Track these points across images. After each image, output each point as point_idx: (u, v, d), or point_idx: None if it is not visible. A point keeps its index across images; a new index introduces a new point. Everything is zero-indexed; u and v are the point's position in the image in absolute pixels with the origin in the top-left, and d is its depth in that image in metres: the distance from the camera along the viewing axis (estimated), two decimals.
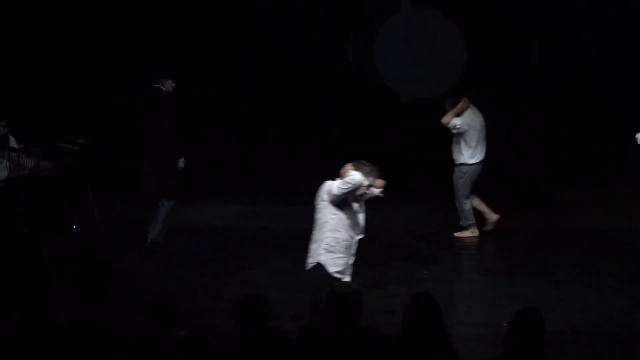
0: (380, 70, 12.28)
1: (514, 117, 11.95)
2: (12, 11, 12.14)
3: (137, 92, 10.15)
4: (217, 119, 12.19)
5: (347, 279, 7.20)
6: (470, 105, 10.60)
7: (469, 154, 10.58)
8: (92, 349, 5.55)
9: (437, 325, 5.46)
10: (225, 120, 12.26)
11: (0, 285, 8.92)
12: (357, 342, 5.30)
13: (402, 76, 12.43)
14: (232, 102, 12.24)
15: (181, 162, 9.89)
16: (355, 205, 7.23)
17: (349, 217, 7.15)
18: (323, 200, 7.11)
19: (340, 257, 7.15)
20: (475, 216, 10.71)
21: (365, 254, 10.17)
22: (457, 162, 10.63)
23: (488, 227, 10.77)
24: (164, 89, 9.88)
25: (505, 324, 5.37)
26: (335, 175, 7.21)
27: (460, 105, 10.49)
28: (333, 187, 7.05)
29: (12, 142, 10.32)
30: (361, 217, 7.31)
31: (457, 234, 10.77)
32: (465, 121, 10.51)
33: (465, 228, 10.74)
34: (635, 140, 9.66)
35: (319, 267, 7.11)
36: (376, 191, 7.28)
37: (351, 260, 7.31)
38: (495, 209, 10.75)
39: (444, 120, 10.47)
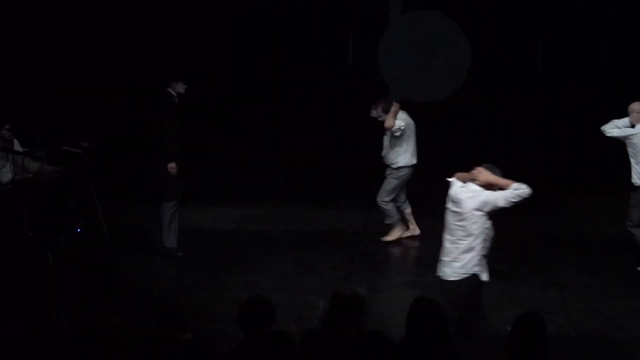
0: (383, 72, 12.29)
1: (515, 119, 11.96)
2: (12, 11, 12.16)
3: (144, 92, 10.14)
4: (217, 119, 12.20)
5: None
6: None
7: (409, 157, 10.53)
8: (96, 351, 5.56)
9: (440, 328, 5.46)
10: (225, 121, 12.27)
11: (4, 288, 8.93)
12: (362, 345, 5.30)
13: (405, 79, 12.44)
14: (232, 102, 12.24)
15: (171, 168, 9.74)
16: None
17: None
18: (478, 211, 6.94)
19: (486, 265, 7.12)
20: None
21: (370, 257, 10.24)
22: (396, 165, 10.53)
23: (407, 233, 10.74)
24: (172, 92, 9.84)
25: (508, 328, 5.37)
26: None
27: (394, 109, 10.38)
28: (498, 200, 6.90)
29: (16, 146, 10.34)
30: None
31: (386, 238, 10.67)
32: (405, 123, 10.46)
33: (393, 228, 10.67)
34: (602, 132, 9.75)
35: (474, 277, 7.04)
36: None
37: None
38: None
39: (389, 124, 10.36)
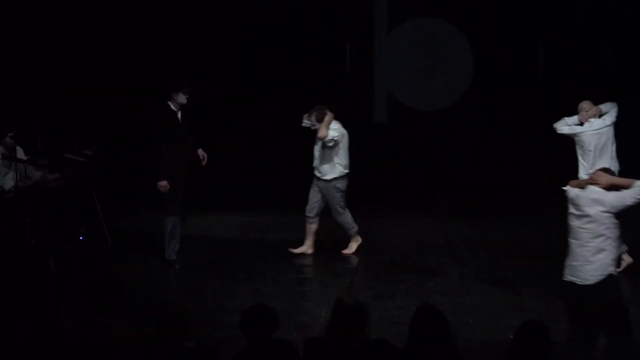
0: (385, 81, 12.32)
1: (516, 124, 11.96)
2: (12, 12, 12.18)
3: (144, 93, 10.10)
4: (217, 119, 12.20)
5: None
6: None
7: (343, 166, 10.21)
8: (99, 358, 5.55)
9: (443, 336, 5.45)
10: (225, 121, 12.27)
11: (7, 295, 8.93)
12: (365, 353, 5.29)
13: (407, 87, 12.47)
14: (232, 102, 12.24)
15: (161, 186, 9.65)
16: None
17: None
18: (607, 212, 6.90)
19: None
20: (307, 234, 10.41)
21: (373, 265, 10.23)
22: (331, 177, 10.18)
23: (297, 250, 10.45)
24: (172, 106, 9.77)
25: (511, 336, 5.36)
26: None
27: (327, 118, 10.06)
28: (626, 199, 6.86)
29: (20, 153, 10.36)
30: None
31: (345, 251, 10.49)
32: (339, 134, 10.17)
33: (351, 239, 10.49)
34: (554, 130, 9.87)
35: (611, 278, 6.93)
36: None
37: None
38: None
39: (322, 134, 10.03)
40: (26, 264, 9.94)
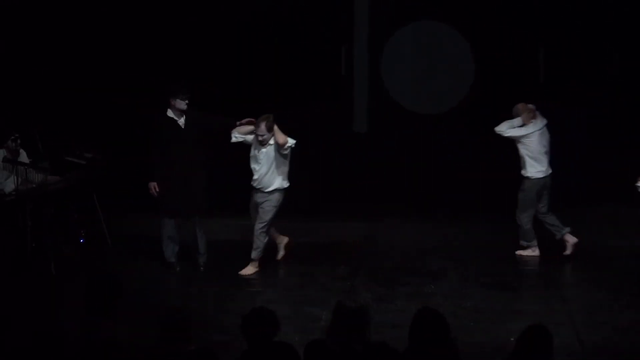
0: (386, 84, 12.31)
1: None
2: (12, 12, 12.19)
3: (144, 93, 10.09)
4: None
5: None
6: None
7: (284, 180, 9.81)
8: None
9: (443, 339, 5.44)
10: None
11: (8, 298, 8.93)
12: (365, 356, 5.28)
13: (408, 91, 12.45)
14: (232, 102, 12.22)
15: (150, 186, 9.75)
16: None
17: None
18: None
19: None
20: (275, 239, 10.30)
21: (373, 268, 10.22)
22: (282, 187, 9.78)
23: (280, 254, 10.36)
24: (172, 113, 9.73)
25: (512, 339, 5.35)
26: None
27: (276, 126, 9.60)
28: None
29: (23, 156, 10.38)
30: None
31: (279, 257, 10.35)
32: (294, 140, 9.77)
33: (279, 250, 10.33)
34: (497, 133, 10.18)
35: None
36: None
37: None
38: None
39: (282, 140, 9.54)
40: (27, 266, 9.94)
